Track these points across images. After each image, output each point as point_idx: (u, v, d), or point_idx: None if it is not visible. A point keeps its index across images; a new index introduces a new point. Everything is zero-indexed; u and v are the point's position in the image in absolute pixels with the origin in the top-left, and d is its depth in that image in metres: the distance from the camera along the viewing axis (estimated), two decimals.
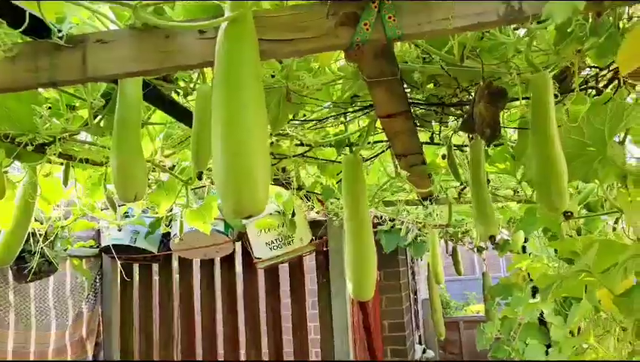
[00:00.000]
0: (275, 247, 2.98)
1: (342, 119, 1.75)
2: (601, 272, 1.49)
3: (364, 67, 1.25)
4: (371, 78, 1.30)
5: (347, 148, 1.98)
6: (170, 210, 2.30)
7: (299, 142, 1.95)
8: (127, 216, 2.89)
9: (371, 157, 2.11)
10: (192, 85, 1.40)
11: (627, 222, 1.74)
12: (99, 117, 1.46)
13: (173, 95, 1.51)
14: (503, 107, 1.13)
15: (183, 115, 1.56)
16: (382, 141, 2.01)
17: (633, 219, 1.76)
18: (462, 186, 2.75)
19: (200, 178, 1.29)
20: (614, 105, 1.34)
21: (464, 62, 1.20)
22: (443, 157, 2.25)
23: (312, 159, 2.04)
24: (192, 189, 2.22)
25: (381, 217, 3.58)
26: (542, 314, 3.79)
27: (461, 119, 1.71)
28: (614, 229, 2.28)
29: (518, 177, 2.00)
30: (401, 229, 3.89)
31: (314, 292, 3.27)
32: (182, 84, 1.41)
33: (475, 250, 5.14)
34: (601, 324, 1.64)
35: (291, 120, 1.76)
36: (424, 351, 5.23)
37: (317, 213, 3.15)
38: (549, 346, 3.80)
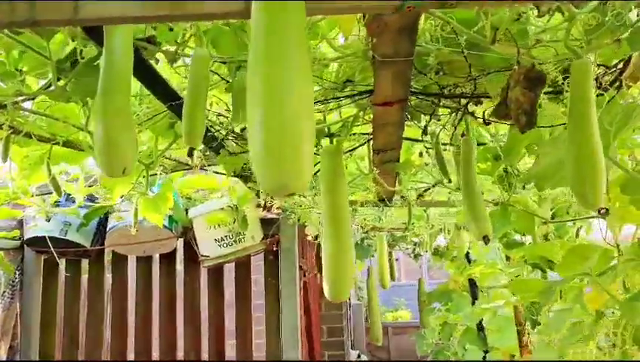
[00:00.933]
0: (225, 245, 2.78)
1: (333, 105, 1.62)
2: (598, 275, 1.45)
3: (383, 43, 1.13)
4: (385, 58, 1.19)
5: (327, 138, 1.85)
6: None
7: None
8: (57, 205, 2.59)
9: (348, 151, 2.00)
10: (181, 50, 1.22)
11: (608, 227, 1.74)
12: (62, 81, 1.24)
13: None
14: (541, 93, 1.05)
15: (161, 88, 1.37)
16: (363, 134, 1.90)
17: (613, 225, 1.77)
18: (424, 188, 2.70)
19: (191, 154, 1.11)
20: (627, 105, 1.30)
21: (494, 45, 1.11)
22: (420, 154, 2.18)
23: None
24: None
25: None
26: (481, 320, 3.85)
27: (458, 112, 1.64)
28: (577, 235, 2.32)
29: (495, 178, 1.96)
30: None
31: (260, 294, 3.10)
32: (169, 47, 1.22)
33: (413, 256, 5.17)
34: (584, 330, 1.61)
35: None
36: (359, 356, 5.18)
37: (267, 210, 3.00)
38: (486, 352, 3.86)
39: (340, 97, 1.57)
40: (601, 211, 1.04)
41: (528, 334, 2.65)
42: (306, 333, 3.60)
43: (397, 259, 4.83)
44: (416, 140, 2.00)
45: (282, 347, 2.89)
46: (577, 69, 1.04)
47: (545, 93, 1.49)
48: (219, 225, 2.77)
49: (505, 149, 1.74)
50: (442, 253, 4.40)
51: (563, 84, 1.30)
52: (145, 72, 1.30)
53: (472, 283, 3.98)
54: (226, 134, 1.77)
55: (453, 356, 3.86)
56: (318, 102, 1.61)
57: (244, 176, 2.26)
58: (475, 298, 3.88)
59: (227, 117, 1.69)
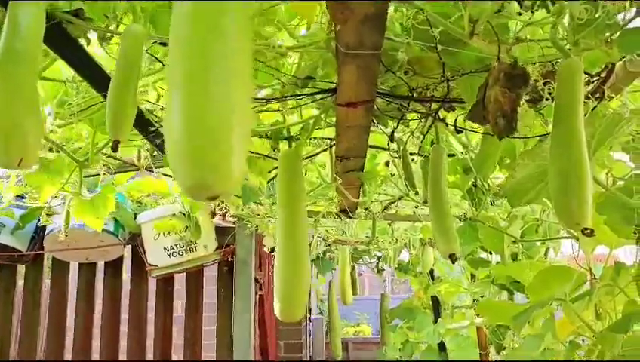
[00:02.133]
0: (175, 254, 2.58)
1: (292, 103, 1.46)
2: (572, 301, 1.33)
3: (348, 32, 0.99)
4: (350, 49, 1.05)
5: (285, 141, 1.70)
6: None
7: None
8: None
9: (308, 157, 1.85)
10: (114, 26, 1.05)
11: (581, 248, 1.63)
12: None
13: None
14: (522, 95, 0.92)
15: (94, 73, 1.19)
16: (326, 138, 1.75)
17: (586, 247, 1.66)
18: (390, 201, 2.57)
19: (116, 150, 0.93)
20: (611, 116, 1.19)
21: (472, 39, 0.98)
22: (386, 164, 2.05)
23: None
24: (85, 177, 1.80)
25: None
26: (443, 340, 3.72)
27: (428, 117, 1.50)
28: (546, 256, 2.21)
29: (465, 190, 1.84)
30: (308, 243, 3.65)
31: (213, 306, 2.90)
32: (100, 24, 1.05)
33: (376, 270, 5.04)
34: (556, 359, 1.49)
35: None
36: None
37: (222, 219, 2.81)
38: None
39: (300, 95, 1.41)
40: (586, 231, 0.91)
41: (491, 358, 2.54)
42: (260, 349, 3.42)
43: (360, 274, 4.69)
44: (383, 148, 1.86)
45: None
46: (566, 69, 0.92)
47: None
48: (169, 233, 2.57)
49: (476, 161, 1.62)
50: (406, 268, 4.28)
51: (543, 89, 1.18)
52: (73, 53, 1.12)
53: (435, 301, 3.86)
54: None
55: None
56: (276, 99, 1.45)
57: None
58: (437, 316, 3.76)
59: None
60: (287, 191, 1.46)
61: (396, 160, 1.94)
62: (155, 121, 1.52)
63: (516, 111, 0.90)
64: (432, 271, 3.70)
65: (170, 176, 2.31)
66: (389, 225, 3.12)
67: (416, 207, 2.79)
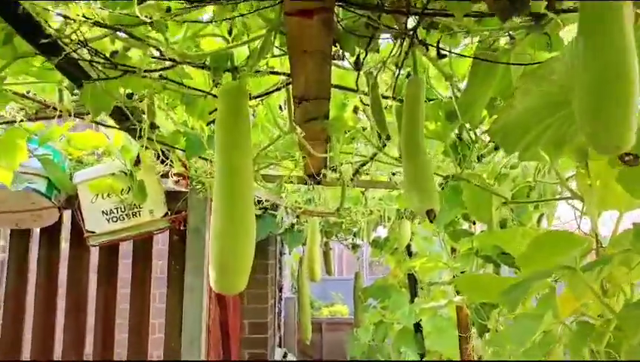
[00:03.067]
0: (115, 219, 2.25)
1: (228, 11, 1.13)
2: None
3: None
4: None
5: (228, 73, 1.37)
6: None
7: (157, 54, 1.30)
8: None
9: (258, 96, 1.52)
10: None
11: (587, 212, 1.35)
12: None
13: None
14: None
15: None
16: (283, 74, 1.43)
17: (592, 209, 1.37)
18: (360, 163, 2.26)
19: None
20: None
21: None
22: (355, 110, 1.74)
23: (176, 86, 1.40)
24: None
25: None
26: (419, 321, 3.47)
27: (405, 39, 1.18)
28: (539, 222, 1.93)
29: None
30: (275, 215, 3.35)
31: (163, 281, 2.58)
32: None
33: (351, 247, 4.76)
34: (554, 342, 1.22)
35: None
36: (285, 355, 4.73)
37: (176, 181, 2.49)
38: (422, 355, 3.49)
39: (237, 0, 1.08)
40: (628, 158, 0.61)
41: (472, 341, 2.27)
42: (220, 329, 3.12)
43: (331, 249, 4.41)
44: (349, 89, 1.55)
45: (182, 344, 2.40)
46: None
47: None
48: (108, 195, 2.24)
49: (462, 102, 1.31)
50: (382, 244, 4.00)
51: None
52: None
53: (412, 279, 3.60)
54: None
55: (386, 359, 3.47)
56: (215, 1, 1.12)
57: (131, 129, 1.75)
58: (414, 295, 3.50)
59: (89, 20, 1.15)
60: (228, 134, 1.15)
61: (367, 106, 1.63)
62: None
63: None
64: (409, 247, 3.42)
65: (110, 127, 1.97)
66: (362, 193, 2.82)
67: (393, 174, 2.50)
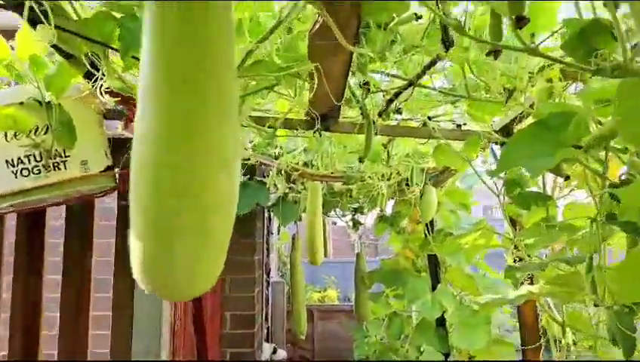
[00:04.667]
0: (27, 172, 1.51)
1: None
2: None
3: None
4: None
5: None
6: None
7: None
8: None
9: None
10: None
11: None
12: None
13: None
14: None
15: None
16: None
17: None
18: (397, 89, 1.54)
19: None
20: None
21: None
22: None
23: None
24: None
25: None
26: (443, 312, 2.80)
27: None
28: None
29: None
30: (264, 181, 2.63)
31: (109, 264, 1.86)
32: None
33: (350, 224, 4.05)
34: None
35: None
36: (274, 351, 4.05)
37: (124, 127, 1.78)
38: (447, 355, 2.83)
39: None
40: None
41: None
42: (194, 324, 2.42)
43: (334, 224, 3.70)
44: None
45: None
46: None
47: None
48: (15, 135, 1.50)
49: None
50: (391, 219, 3.30)
51: None
52: None
53: (433, 261, 2.92)
54: None
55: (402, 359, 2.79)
56: None
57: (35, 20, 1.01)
58: (437, 281, 2.82)
59: None
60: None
61: None
62: None
63: None
64: (431, 222, 2.73)
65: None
66: (384, 146, 2.11)
67: (429, 118, 1.81)
